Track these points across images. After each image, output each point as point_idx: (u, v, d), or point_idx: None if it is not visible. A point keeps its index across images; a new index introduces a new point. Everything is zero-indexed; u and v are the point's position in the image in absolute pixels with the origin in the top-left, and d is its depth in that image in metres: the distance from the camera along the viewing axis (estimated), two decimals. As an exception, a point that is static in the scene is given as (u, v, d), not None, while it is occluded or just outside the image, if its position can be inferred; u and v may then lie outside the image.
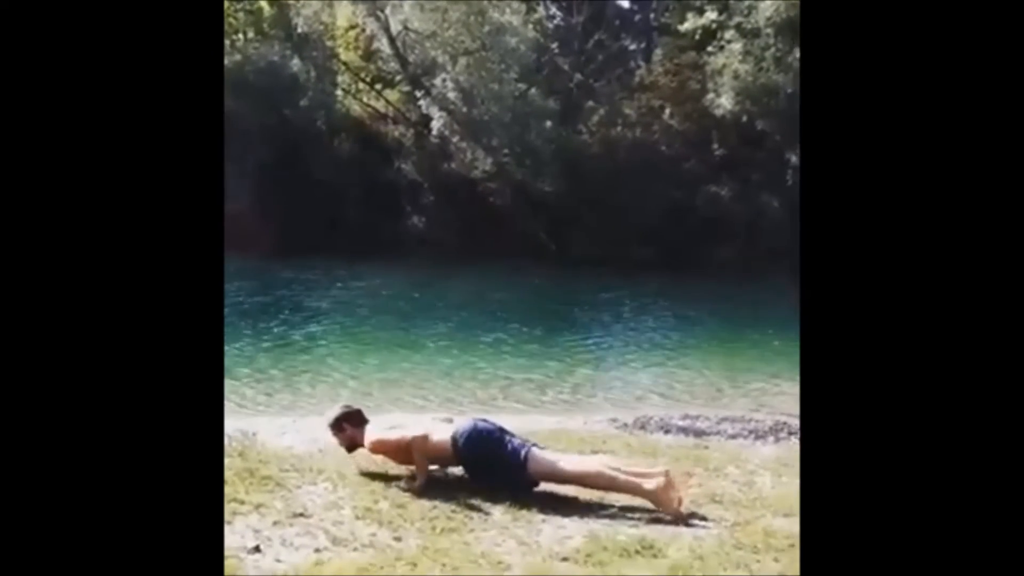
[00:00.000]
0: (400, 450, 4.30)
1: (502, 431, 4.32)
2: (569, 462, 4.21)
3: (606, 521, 3.91)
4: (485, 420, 4.44)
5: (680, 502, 4.02)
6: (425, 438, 4.24)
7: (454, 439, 4.25)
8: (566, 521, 3.87)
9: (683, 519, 3.94)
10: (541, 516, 3.89)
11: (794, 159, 18.76)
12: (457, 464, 4.33)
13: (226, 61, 18.95)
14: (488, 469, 4.21)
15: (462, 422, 4.41)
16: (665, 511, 3.96)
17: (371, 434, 4.40)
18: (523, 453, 4.17)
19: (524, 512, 3.92)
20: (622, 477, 4.09)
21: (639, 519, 3.95)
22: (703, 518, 3.99)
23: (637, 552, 3.53)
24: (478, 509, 3.95)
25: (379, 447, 4.36)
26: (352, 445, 4.47)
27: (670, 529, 3.83)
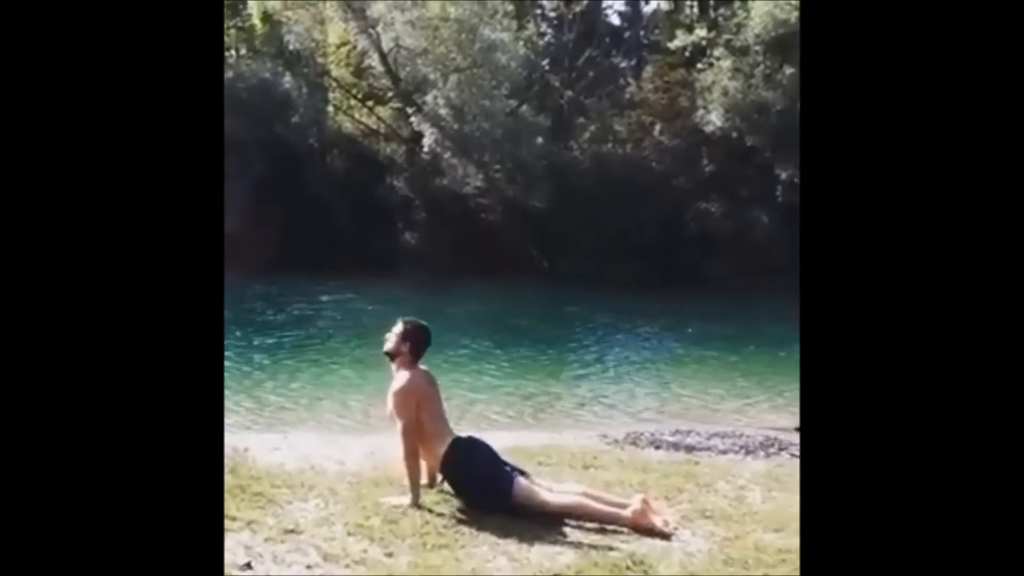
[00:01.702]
0: (405, 416, 4.25)
1: (495, 454, 4.35)
2: (551, 495, 4.21)
3: (597, 537, 3.92)
4: (480, 439, 4.46)
5: (666, 523, 4.03)
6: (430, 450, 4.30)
7: (454, 444, 4.29)
8: (557, 537, 3.88)
9: (667, 535, 3.95)
10: (532, 532, 3.90)
11: (784, 175, 18.88)
12: (444, 473, 4.34)
13: (218, 78, 18.93)
14: (474, 486, 4.23)
15: (463, 435, 4.45)
16: (648, 535, 3.97)
17: (402, 381, 4.32)
18: (511, 479, 4.20)
19: (515, 528, 3.93)
20: (602, 507, 4.12)
21: (630, 535, 3.96)
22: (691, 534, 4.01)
23: (628, 568, 3.54)
24: (469, 525, 3.95)
25: (397, 399, 4.29)
26: (394, 356, 4.44)
27: (660, 545, 3.84)
